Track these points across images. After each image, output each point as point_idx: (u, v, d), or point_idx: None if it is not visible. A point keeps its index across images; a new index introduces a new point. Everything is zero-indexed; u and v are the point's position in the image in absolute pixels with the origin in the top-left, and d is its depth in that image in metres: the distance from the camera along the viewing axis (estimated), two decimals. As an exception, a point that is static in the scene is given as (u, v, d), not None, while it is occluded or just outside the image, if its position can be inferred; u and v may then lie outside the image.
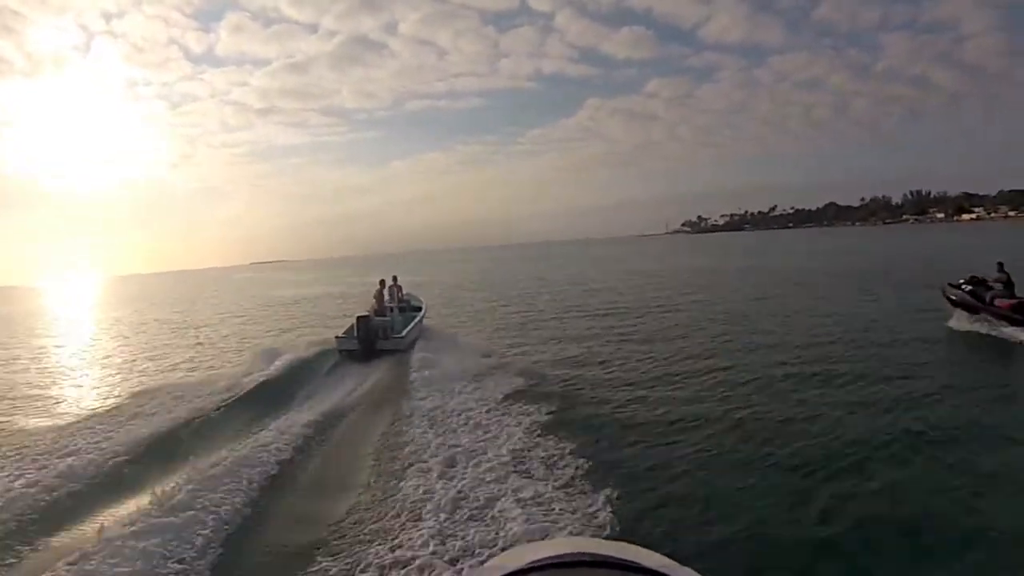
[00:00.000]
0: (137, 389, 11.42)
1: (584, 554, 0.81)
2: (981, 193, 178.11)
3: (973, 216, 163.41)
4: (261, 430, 8.00)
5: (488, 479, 5.88)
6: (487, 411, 8.26)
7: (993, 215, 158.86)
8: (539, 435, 7.19)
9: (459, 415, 8.18)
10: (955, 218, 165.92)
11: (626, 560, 0.80)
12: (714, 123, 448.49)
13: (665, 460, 6.55)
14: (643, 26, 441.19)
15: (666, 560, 0.82)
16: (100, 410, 9.96)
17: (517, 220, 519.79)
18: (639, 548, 0.85)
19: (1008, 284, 11.78)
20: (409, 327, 13.65)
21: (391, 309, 14.19)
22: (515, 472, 6.04)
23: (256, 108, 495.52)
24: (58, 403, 11.54)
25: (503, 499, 5.39)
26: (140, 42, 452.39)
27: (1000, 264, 12.07)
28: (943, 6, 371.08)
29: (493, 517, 5.14)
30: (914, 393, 8.46)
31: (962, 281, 12.61)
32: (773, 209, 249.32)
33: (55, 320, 35.67)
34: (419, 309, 15.57)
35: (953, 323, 12.33)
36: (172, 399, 9.93)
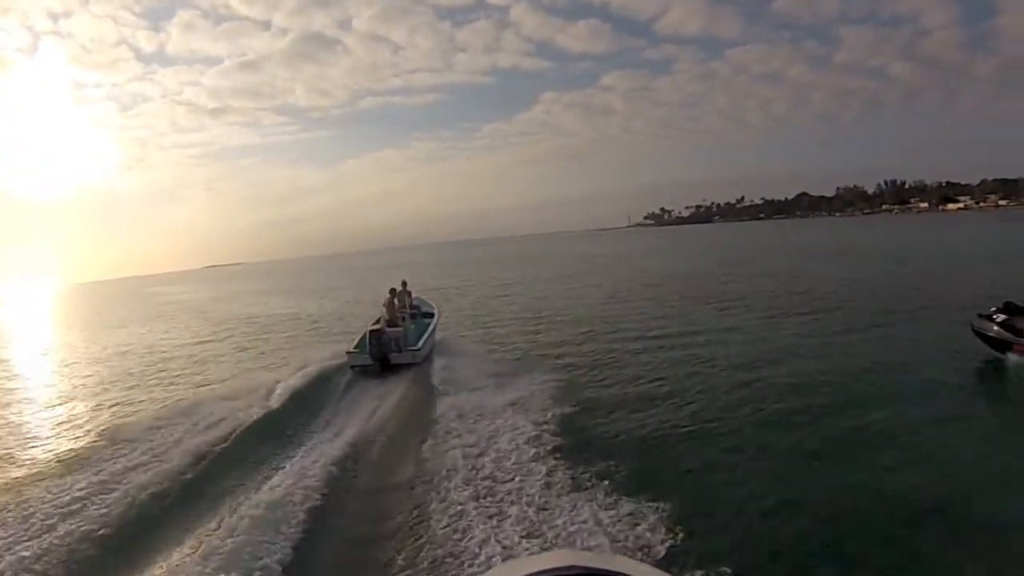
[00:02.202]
0: (142, 422, 10.54)
1: (575, 567, 0.82)
2: (963, 182, 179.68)
3: (960, 205, 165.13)
4: (287, 464, 7.74)
5: (535, 519, 5.66)
6: (521, 437, 7.94)
7: (982, 204, 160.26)
8: (571, 456, 7.18)
9: (490, 438, 8.00)
10: (940, 208, 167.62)
11: (616, 572, 0.80)
12: (671, 116, 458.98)
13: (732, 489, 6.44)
14: (599, 19, 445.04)
15: (656, 571, 0.77)
16: (105, 446, 9.21)
17: (475, 216, 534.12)
18: (628, 559, 0.96)
19: None
20: (424, 337, 13.32)
21: (403, 318, 13.65)
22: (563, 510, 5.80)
23: (208, 108, 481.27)
24: (54, 439, 10.79)
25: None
26: (88, 43, 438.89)
27: None
28: (903, 0, 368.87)
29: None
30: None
31: (994, 309, 10.46)
32: (741, 200, 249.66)
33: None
34: (431, 315, 15.29)
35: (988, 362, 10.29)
36: (179, 432, 9.31)
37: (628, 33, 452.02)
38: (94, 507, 6.76)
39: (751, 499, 6.15)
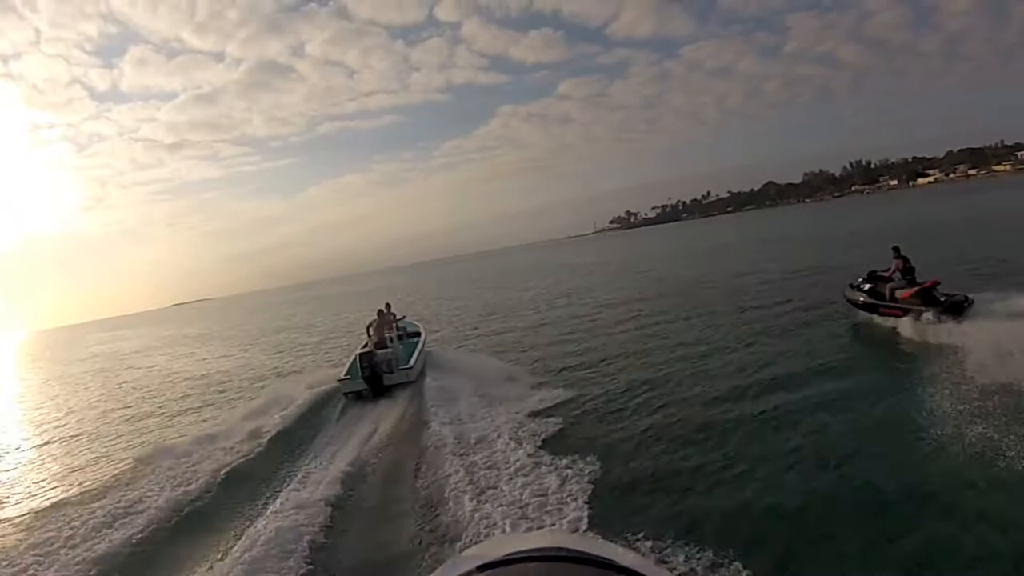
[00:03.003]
0: (126, 456, 10.97)
1: (562, 549, 0.83)
2: (928, 156, 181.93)
3: (930, 179, 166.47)
4: (281, 498, 7.50)
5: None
6: (521, 449, 7.97)
7: (952, 176, 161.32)
8: (581, 472, 7.04)
9: (488, 453, 8.00)
10: (911, 184, 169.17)
11: (603, 557, 0.81)
12: (629, 119, 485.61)
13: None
14: (551, 28, 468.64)
15: (642, 559, 0.84)
16: (84, 491, 9.40)
17: (440, 235, 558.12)
18: (616, 546, 0.89)
19: (906, 271, 11.75)
20: (415, 355, 13.39)
21: (391, 339, 13.49)
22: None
23: (166, 143, 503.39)
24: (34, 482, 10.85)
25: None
26: (41, 83, 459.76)
27: (896, 248, 12.02)
28: None
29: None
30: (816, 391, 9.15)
31: (861, 279, 12.68)
32: (707, 195, 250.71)
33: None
34: (418, 334, 15.64)
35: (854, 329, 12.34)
36: (171, 465, 9.39)
37: (581, 40, 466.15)
38: (83, 550, 6.78)
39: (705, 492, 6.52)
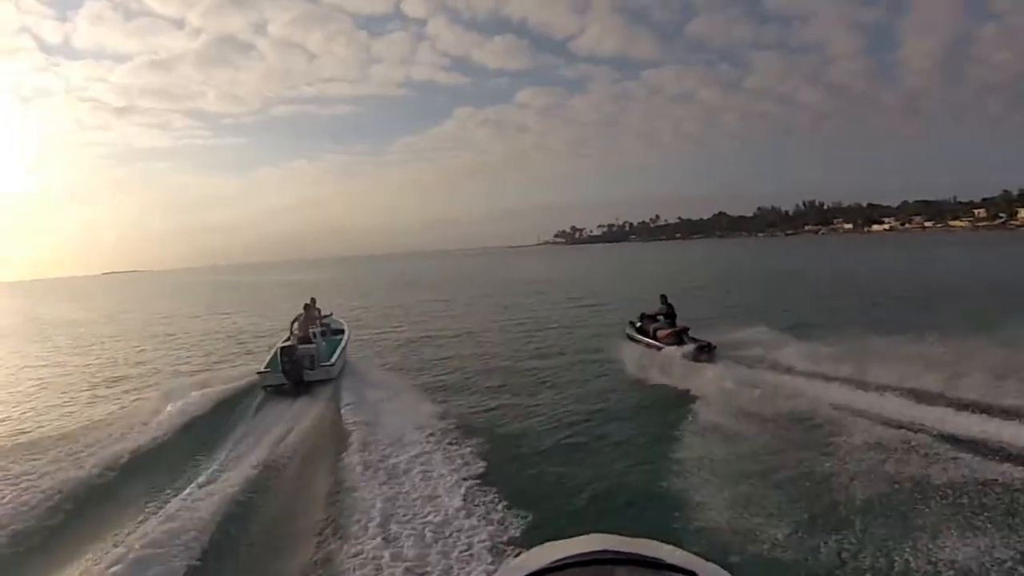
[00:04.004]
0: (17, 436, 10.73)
1: (608, 551, 0.84)
2: (883, 204, 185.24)
3: (885, 227, 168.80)
4: (190, 488, 7.56)
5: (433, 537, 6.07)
6: (428, 450, 8.42)
7: (908, 225, 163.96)
8: (475, 472, 7.66)
9: (404, 463, 8.08)
10: (865, 229, 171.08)
11: (650, 556, 0.83)
12: (585, 134, 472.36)
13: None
14: (516, 35, 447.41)
15: (690, 556, 0.85)
16: None
17: (387, 231, 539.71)
18: (662, 544, 0.89)
19: (668, 316, 13.98)
20: (336, 353, 13.57)
21: (315, 335, 13.70)
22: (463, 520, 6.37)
23: (115, 107, 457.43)
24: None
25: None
26: None
27: (663, 297, 14.34)
28: (812, 28, 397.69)
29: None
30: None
31: (633, 320, 15.03)
32: (656, 219, 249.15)
33: None
34: (342, 332, 15.66)
35: (627, 357, 14.06)
36: (71, 449, 9.04)
37: (545, 51, 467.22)
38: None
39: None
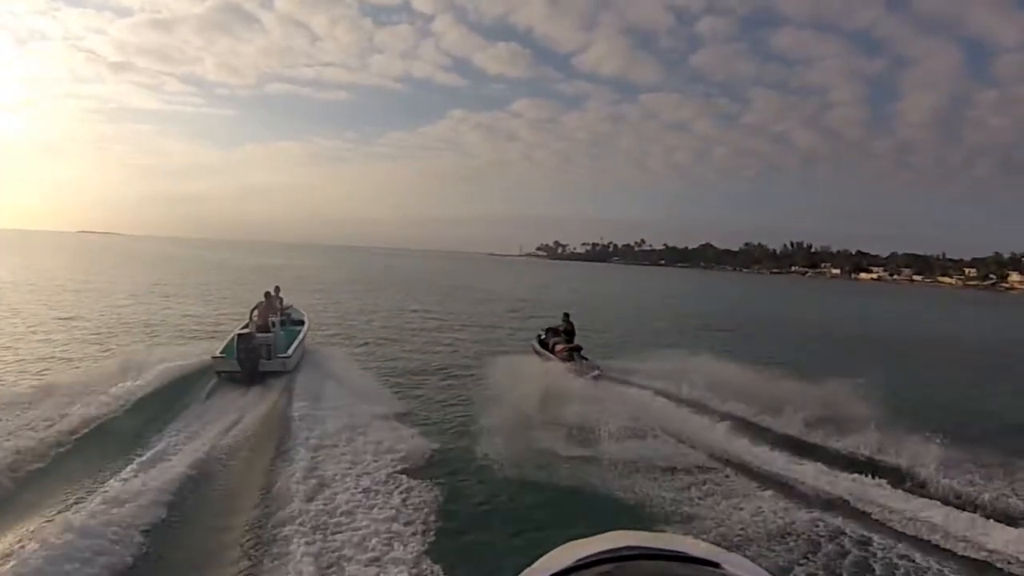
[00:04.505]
0: None
1: (632, 547, 0.83)
2: (871, 252, 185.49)
3: (874, 276, 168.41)
4: (133, 468, 7.67)
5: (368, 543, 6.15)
6: (367, 454, 8.44)
7: (896, 277, 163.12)
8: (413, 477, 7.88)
9: (340, 457, 8.29)
10: (853, 276, 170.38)
11: (675, 550, 0.82)
12: (575, 151, 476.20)
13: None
14: (520, 43, 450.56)
15: (714, 548, 0.84)
16: None
17: (367, 223, 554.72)
18: (685, 538, 0.89)
19: (568, 332, 15.13)
20: (294, 345, 13.55)
21: (274, 324, 13.60)
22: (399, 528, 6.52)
23: (111, 61, 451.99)
24: None
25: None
26: None
27: (566, 315, 15.67)
28: (815, 72, 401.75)
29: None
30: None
31: (541, 333, 16.52)
32: (641, 243, 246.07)
33: None
34: (301, 323, 15.85)
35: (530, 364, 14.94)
36: (19, 414, 8.99)
37: (546, 63, 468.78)
38: None
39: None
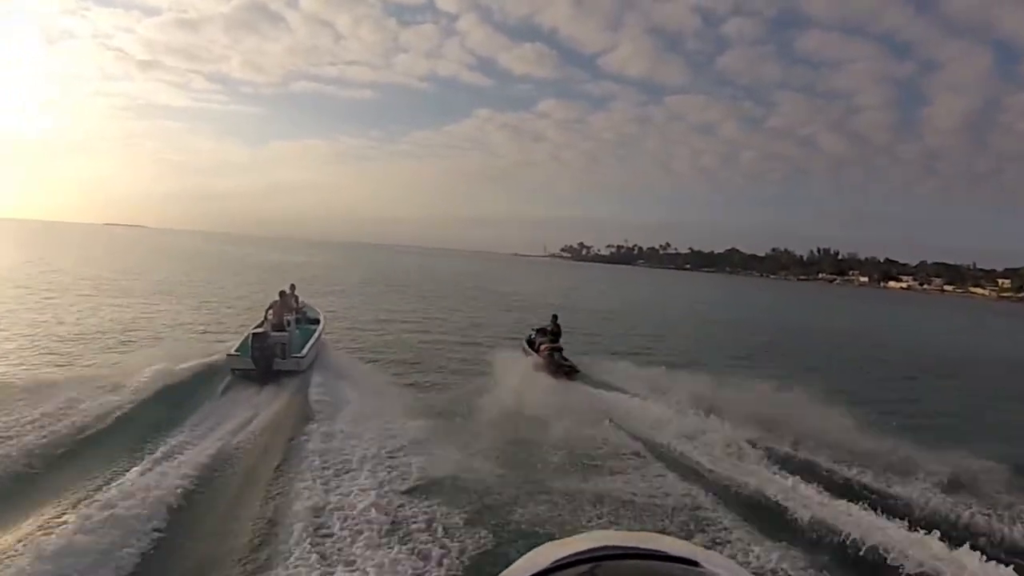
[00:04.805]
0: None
1: (610, 547, 0.84)
2: (900, 260, 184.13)
3: (903, 284, 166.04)
4: (146, 462, 7.80)
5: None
6: (380, 458, 8.38)
7: (927, 287, 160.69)
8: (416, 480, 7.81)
9: (351, 459, 8.27)
10: (882, 284, 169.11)
11: (652, 549, 0.83)
12: (601, 152, 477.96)
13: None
14: (546, 44, 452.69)
15: (693, 547, 0.86)
16: None
17: (391, 221, 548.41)
18: (663, 536, 0.91)
19: (554, 333, 15.63)
20: (309, 345, 13.53)
21: (289, 323, 13.67)
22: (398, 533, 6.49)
23: (139, 59, 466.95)
24: None
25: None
26: None
27: (554, 316, 16.16)
28: (842, 75, 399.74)
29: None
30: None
31: (531, 332, 17.10)
32: (667, 246, 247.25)
33: None
34: (317, 322, 15.75)
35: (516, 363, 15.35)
36: (25, 415, 8.78)
37: (572, 63, 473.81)
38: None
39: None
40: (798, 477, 8.24)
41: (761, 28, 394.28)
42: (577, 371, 14.55)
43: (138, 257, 61.30)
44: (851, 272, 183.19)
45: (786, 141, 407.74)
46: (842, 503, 7.46)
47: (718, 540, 6.49)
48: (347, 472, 7.87)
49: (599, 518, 6.95)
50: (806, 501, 7.50)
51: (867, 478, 8.45)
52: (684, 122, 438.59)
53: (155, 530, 6.05)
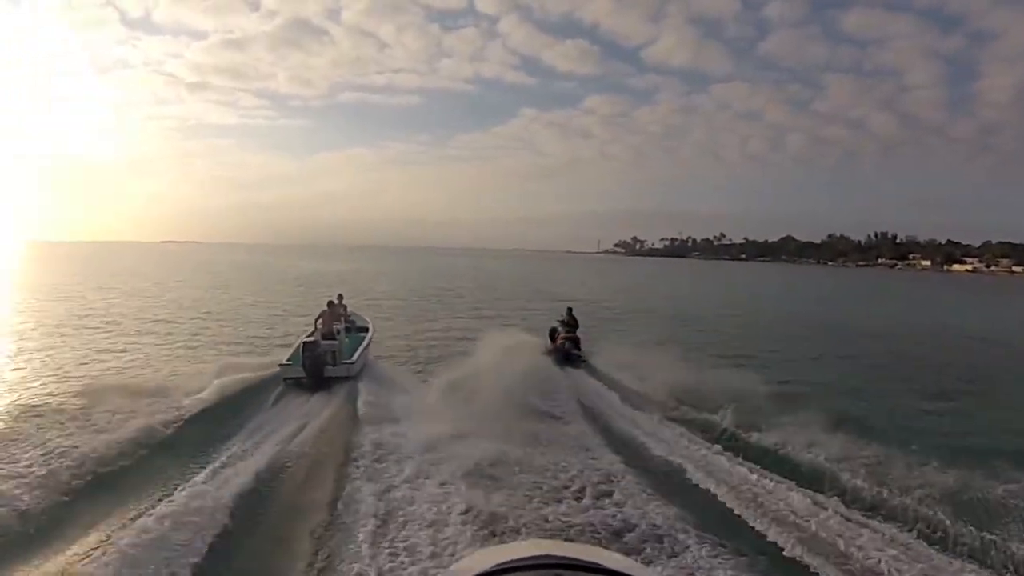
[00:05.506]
0: (33, 411, 10.42)
1: (550, 556, 0.84)
2: (963, 242, 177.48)
3: (968, 267, 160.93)
4: (206, 470, 8.14)
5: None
6: (434, 461, 8.50)
7: (994, 268, 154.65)
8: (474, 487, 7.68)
9: (405, 461, 8.51)
10: (945, 267, 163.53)
11: (590, 562, 0.83)
12: (648, 145, 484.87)
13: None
14: (588, 40, 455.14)
15: (629, 562, 0.87)
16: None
17: (444, 225, 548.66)
18: (602, 550, 0.92)
19: (569, 324, 16.64)
20: (358, 351, 13.94)
21: (338, 332, 14.15)
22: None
23: (188, 82, 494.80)
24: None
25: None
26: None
27: (569, 308, 17.33)
28: (888, 53, 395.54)
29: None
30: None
31: (556, 324, 17.55)
32: (721, 237, 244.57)
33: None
34: (366, 330, 16.29)
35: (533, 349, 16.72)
36: (92, 422, 9.49)
37: (615, 58, 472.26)
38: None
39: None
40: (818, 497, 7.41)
41: (803, 8, 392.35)
42: (584, 361, 15.39)
43: (222, 274, 61.13)
44: (912, 256, 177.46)
45: (835, 124, 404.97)
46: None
47: (673, 552, 6.11)
48: (400, 474, 8.00)
49: (546, 521, 6.74)
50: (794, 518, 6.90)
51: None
52: (730, 110, 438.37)
53: (221, 532, 6.31)
